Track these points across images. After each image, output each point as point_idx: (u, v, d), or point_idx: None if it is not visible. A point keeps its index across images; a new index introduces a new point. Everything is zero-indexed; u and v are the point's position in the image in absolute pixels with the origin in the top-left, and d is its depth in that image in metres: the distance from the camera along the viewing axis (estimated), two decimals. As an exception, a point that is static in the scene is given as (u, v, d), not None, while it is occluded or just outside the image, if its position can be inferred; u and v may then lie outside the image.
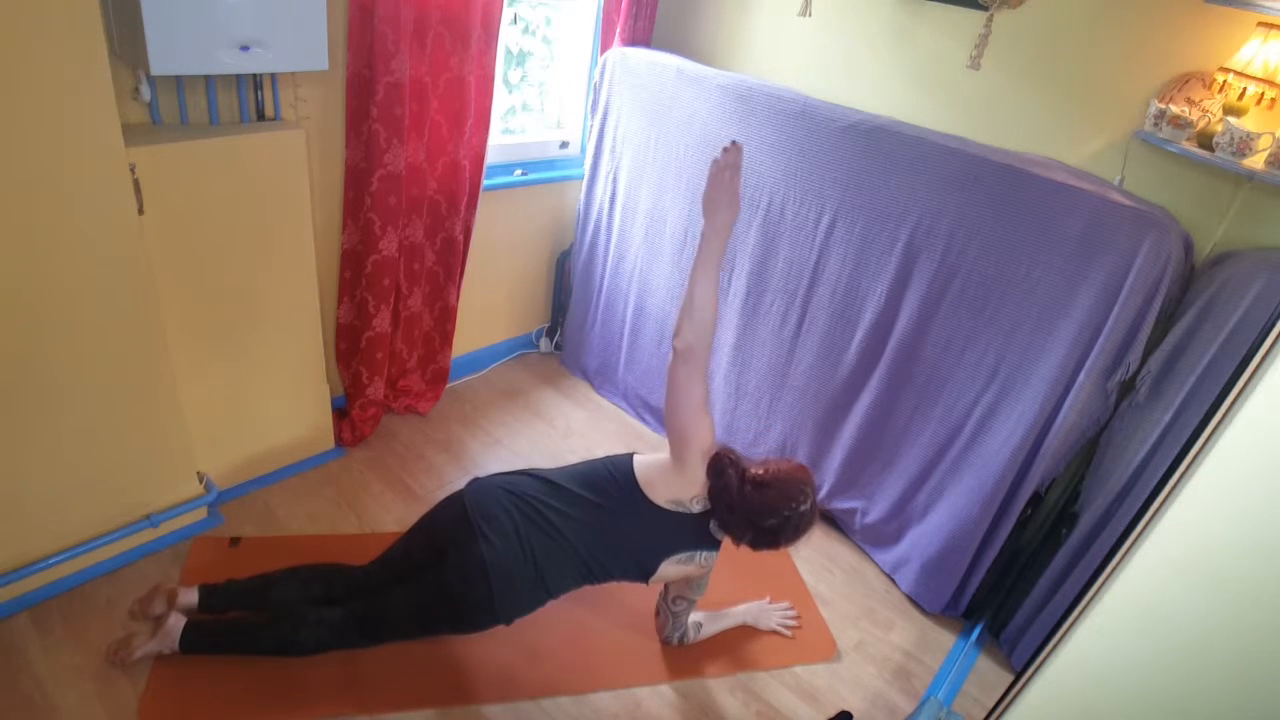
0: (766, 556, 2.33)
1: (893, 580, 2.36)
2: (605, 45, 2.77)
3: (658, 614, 1.99)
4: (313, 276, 2.15)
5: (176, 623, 1.70)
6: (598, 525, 1.67)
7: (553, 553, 1.63)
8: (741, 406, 2.61)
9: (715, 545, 1.74)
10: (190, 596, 1.77)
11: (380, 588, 1.75)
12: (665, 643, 1.98)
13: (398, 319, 2.53)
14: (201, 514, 2.09)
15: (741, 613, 2.09)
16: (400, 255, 2.39)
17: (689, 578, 1.79)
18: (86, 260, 1.62)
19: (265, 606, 1.76)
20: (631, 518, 1.68)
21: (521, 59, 2.87)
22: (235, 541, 2.07)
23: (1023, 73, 2.13)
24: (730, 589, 2.19)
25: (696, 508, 1.69)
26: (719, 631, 2.04)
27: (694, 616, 1.98)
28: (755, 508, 1.62)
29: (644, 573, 1.70)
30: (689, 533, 1.69)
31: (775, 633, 2.09)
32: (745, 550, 2.34)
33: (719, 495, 1.65)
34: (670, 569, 1.71)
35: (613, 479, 1.72)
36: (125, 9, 1.59)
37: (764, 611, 2.11)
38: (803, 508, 1.63)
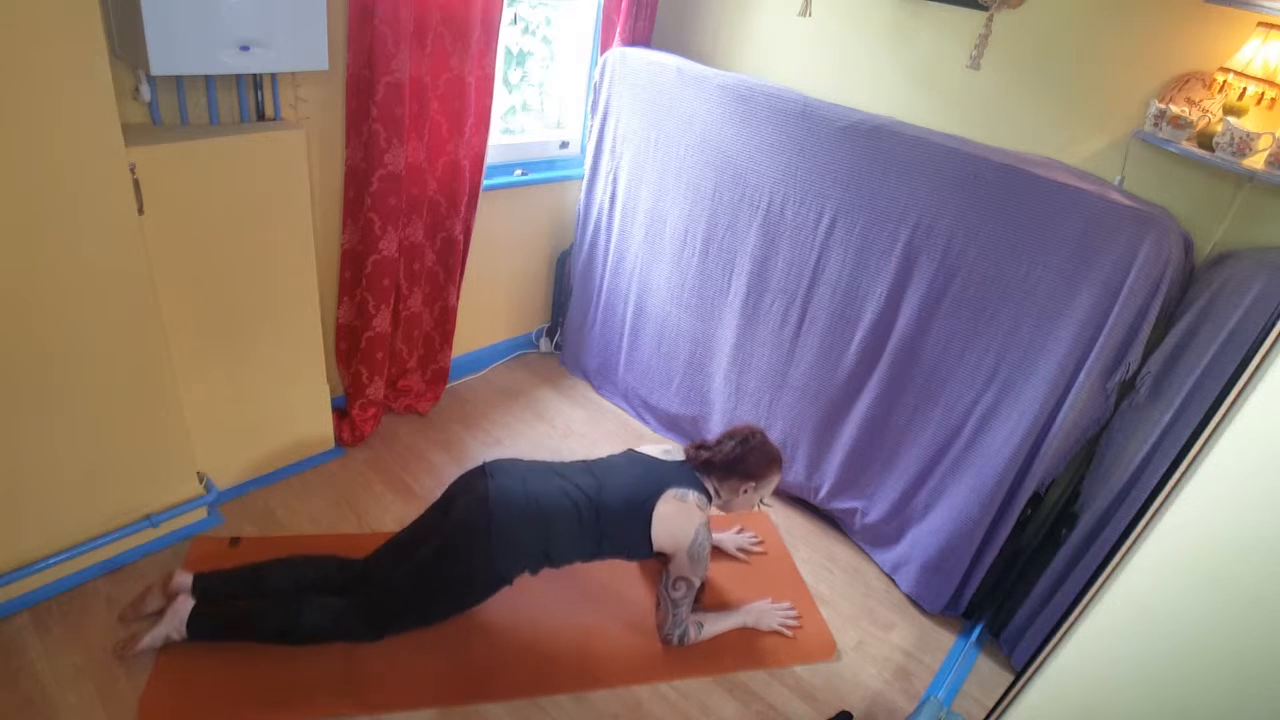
0: (767, 559, 2.35)
1: (893, 580, 2.36)
2: (605, 45, 2.77)
3: (658, 606, 1.99)
4: (313, 276, 2.15)
5: (184, 604, 1.72)
6: (599, 481, 1.86)
7: (557, 501, 1.78)
8: (741, 406, 2.61)
9: (704, 491, 1.91)
10: (184, 580, 1.79)
11: (382, 573, 1.80)
12: (665, 642, 1.98)
13: (398, 319, 2.53)
14: (201, 514, 2.09)
15: (742, 614, 2.09)
16: (400, 255, 2.39)
17: (683, 536, 1.81)
18: (87, 260, 1.62)
19: (260, 594, 1.78)
20: (626, 469, 1.92)
21: (521, 59, 2.87)
22: (235, 542, 2.07)
23: (1022, 73, 2.13)
24: (730, 589, 2.19)
25: (681, 455, 1.98)
26: (720, 633, 2.04)
27: (694, 616, 1.98)
28: (721, 440, 1.97)
29: (644, 516, 1.80)
30: (678, 472, 1.92)
31: (776, 633, 2.09)
32: (744, 549, 2.36)
33: (697, 450, 1.97)
34: (667, 508, 1.82)
35: (609, 456, 2.01)
36: (125, 9, 1.59)
37: (765, 612, 2.11)
38: (758, 438, 1.96)
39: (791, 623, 2.12)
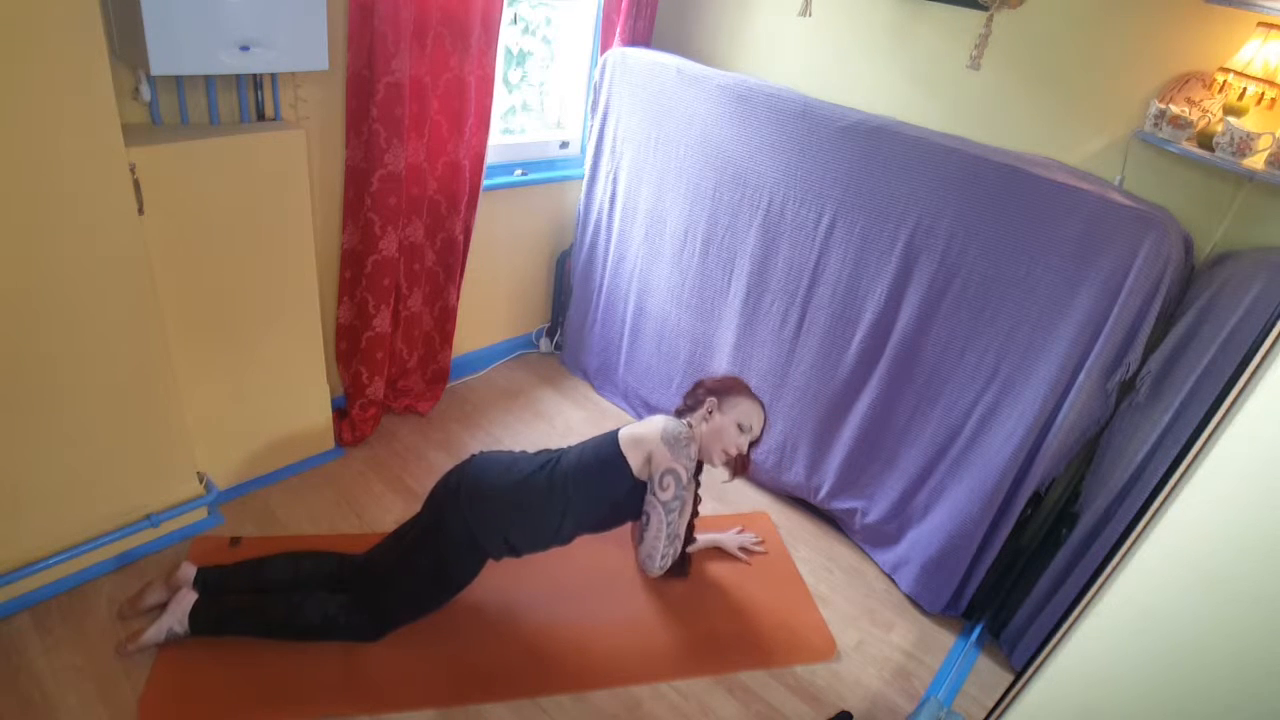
0: (768, 559, 2.34)
1: (893, 580, 2.36)
2: (605, 45, 2.77)
3: (645, 529, 1.87)
4: (313, 276, 2.15)
5: (187, 596, 1.73)
6: (573, 447, 1.93)
7: (530, 465, 1.85)
8: (741, 406, 2.61)
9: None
10: (188, 572, 1.81)
11: (378, 562, 1.84)
12: (661, 567, 1.89)
13: (398, 319, 2.53)
14: (202, 514, 2.09)
15: (712, 537, 2.30)
16: (400, 255, 2.39)
17: (652, 429, 1.85)
18: (86, 260, 1.62)
19: (262, 588, 1.80)
20: (597, 434, 1.96)
21: (521, 59, 2.87)
22: (235, 541, 2.07)
23: (1022, 73, 2.13)
24: (731, 588, 2.19)
25: None
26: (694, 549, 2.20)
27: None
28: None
29: (612, 450, 1.85)
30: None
31: (736, 557, 2.29)
32: (745, 549, 2.36)
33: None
34: (630, 428, 1.89)
35: None
36: (125, 9, 1.59)
37: (731, 539, 2.32)
38: (717, 375, 2.11)
39: (756, 549, 2.33)
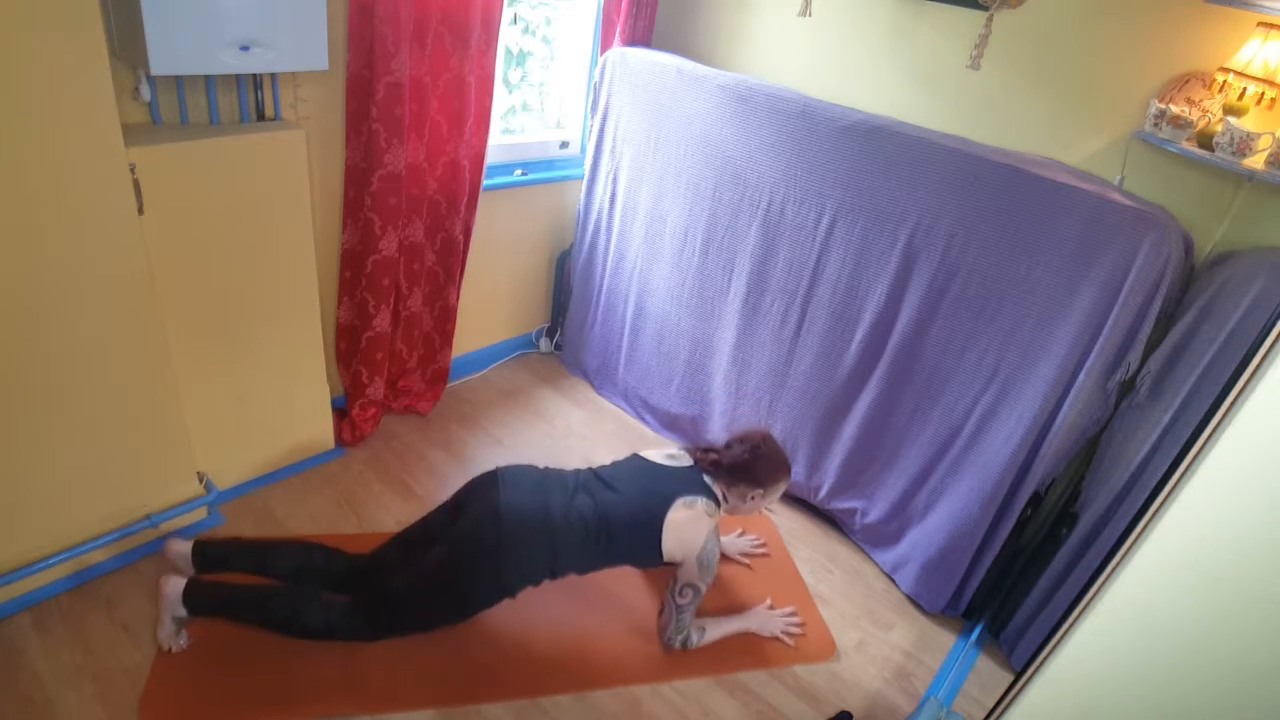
0: (768, 559, 2.34)
1: (893, 580, 2.36)
2: (605, 45, 2.77)
3: (662, 611, 1.97)
4: (313, 276, 2.15)
5: (172, 584, 1.69)
6: (608, 494, 1.83)
7: (567, 518, 1.76)
8: (741, 406, 2.61)
9: (713, 497, 1.88)
10: (184, 547, 1.79)
11: (387, 571, 1.79)
12: (667, 646, 1.96)
13: (398, 319, 2.53)
14: (201, 514, 2.09)
15: (745, 619, 2.07)
16: (400, 255, 2.40)
17: (692, 543, 1.79)
18: (87, 260, 1.62)
19: (263, 571, 1.78)
20: (635, 480, 1.88)
21: (521, 59, 2.87)
22: (235, 541, 2.07)
23: (1023, 73, 2.13)
24: (732, 589, 2.19)
25: (688, 460, 1.95)
26: (721, 637, 2.02)
27: (696, 621, 1.97)
28: (729, 444, 1.96)
29: (654, 527, 1.78)
30: (687, 481, 1.88)
31: (778, 640, 2.06)
32: (747, 554, 2.36)
33: (705, 454, 1.94)
34: (677, 516, 1.80)
35: (615, 463, 1.97)
36: (125, 9, 1.59)
37: (768, 618, 2.09)
38: (768, 445, 1.95)
39: (794, 630, 2.09)
